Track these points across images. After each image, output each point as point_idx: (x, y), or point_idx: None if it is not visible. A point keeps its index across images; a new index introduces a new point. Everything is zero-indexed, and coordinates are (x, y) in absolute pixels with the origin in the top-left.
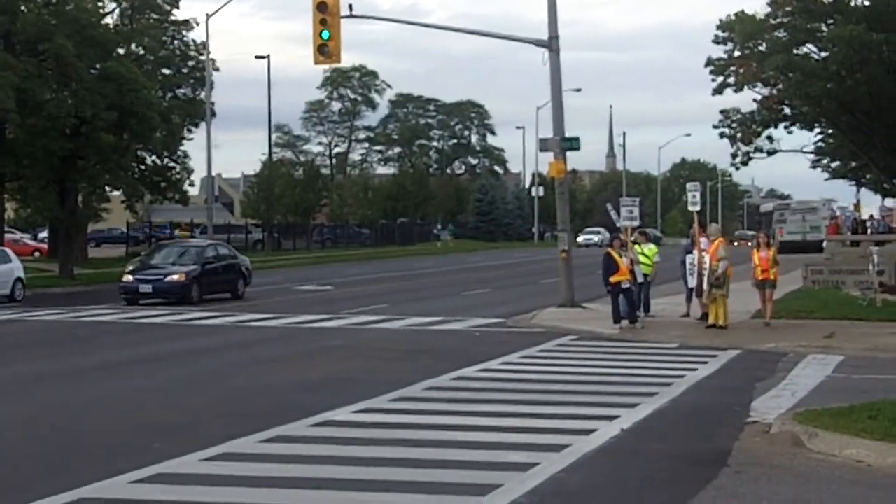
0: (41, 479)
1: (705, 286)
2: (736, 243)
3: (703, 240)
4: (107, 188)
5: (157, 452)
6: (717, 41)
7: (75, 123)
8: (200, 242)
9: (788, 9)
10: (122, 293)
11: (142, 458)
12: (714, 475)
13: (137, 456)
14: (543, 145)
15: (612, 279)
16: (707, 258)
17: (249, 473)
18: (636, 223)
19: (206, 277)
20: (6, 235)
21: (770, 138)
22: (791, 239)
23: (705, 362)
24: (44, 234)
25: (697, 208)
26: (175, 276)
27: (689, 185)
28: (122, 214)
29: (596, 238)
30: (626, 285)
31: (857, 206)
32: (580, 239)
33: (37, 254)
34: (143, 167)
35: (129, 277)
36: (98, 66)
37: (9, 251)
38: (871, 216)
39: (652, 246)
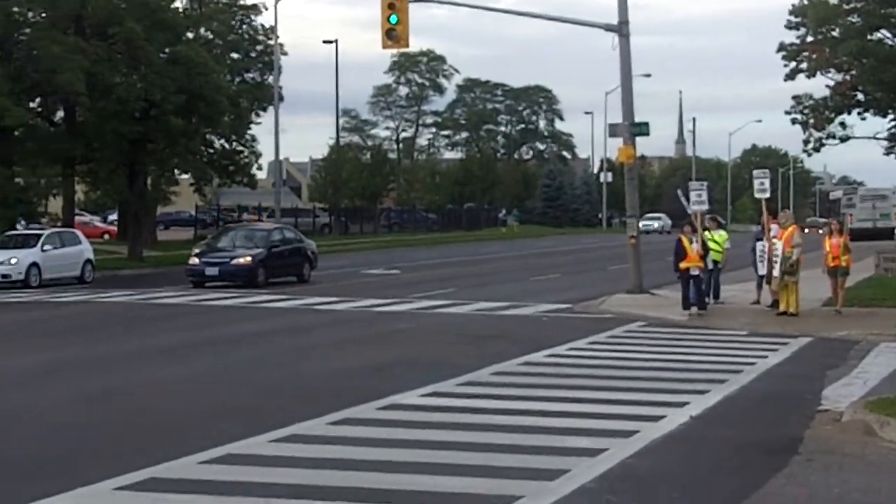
0: (111, 458)
1: (776, 273)
2: (807, 230)
3: (773, 226)
4: (175, 171)
5: (226, 433)
6: (789, 26)
7: (144, 107)
8: (267, 226)
9: None
10: (189, 276)
11: (210, 438)
12: (784, 463)
13: (206, 436)
14: (612, 131)
15: (682, 265)
16: (779, 245)
17: (318, 455)
18: (705, 207)
19: (272, 261)
20: (76, 218)
21: (843, 125)
22: (861, 226)
23: (776, 350)
24: (113, 217)
25: (766, 195)
26: (241, 260)
27: (755, 172)
28: (191, 198)
29: (655, 224)
30: (695, 272)
31: None
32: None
33: (106, 236)
34: (211, 151)
35: (196, 260)
36: (167, 49)
37: (79, 233)
38: None
39: (722, 232)
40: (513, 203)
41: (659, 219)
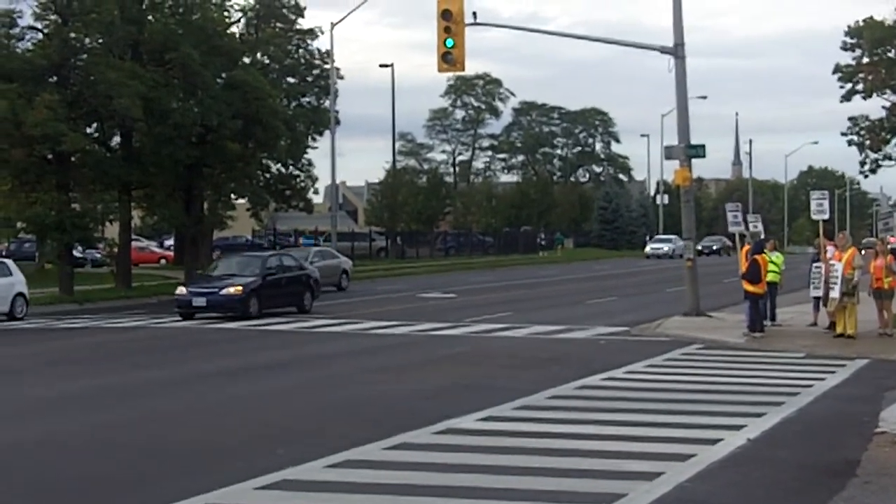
0: (165, 483)
1: (834, 294)
2: (864, 252)
3: (829, 248)
4: (232, 196)
5: (282, 458)
6: (845, 48)
7: (201, 132)
8: (263, 253)
9: None
10: (176, 307)
11: (266, 463)
12: (842, 486)
13: (262, 461)
14: (668, 153)
15: (750, 289)
16: (837, 267)
17: (374, 481)
18: (741, 229)
19: (267, 290)
20: (133, 243)
21: None
22: None
23: (833, 372)
24: (170, 242)
25: (825, 216)
26: (231, 289)
27: (813, 193)
28: (248, 222)
29: (665, 247)
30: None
31: None
32: (647, 249)
33: (163, 261)
34: (267, 175)
35: (183, 290)
36: (224, 75)
37: (9, 263)
38: None
39: (779, 254)
40: (569, 226)
41: (669, 241)
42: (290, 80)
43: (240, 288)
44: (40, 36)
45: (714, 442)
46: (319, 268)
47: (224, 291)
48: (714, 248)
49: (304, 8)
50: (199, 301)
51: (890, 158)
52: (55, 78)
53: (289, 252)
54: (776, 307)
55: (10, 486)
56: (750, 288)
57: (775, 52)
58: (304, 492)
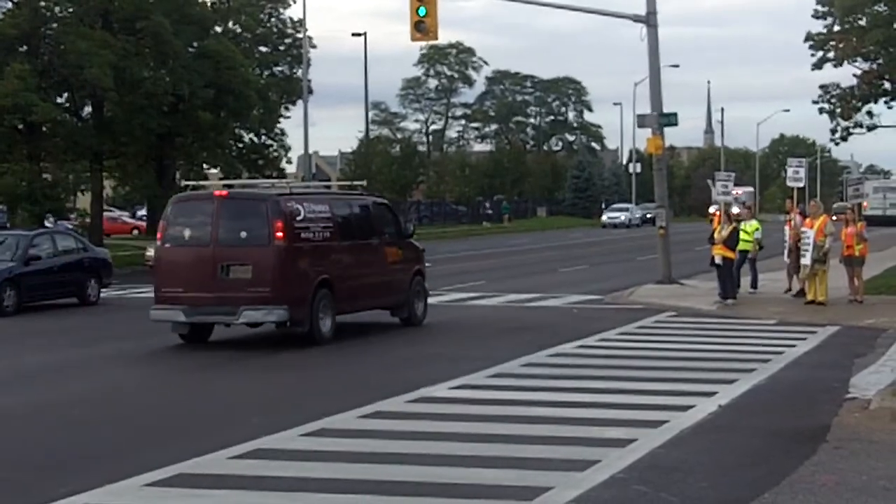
0: (139, 453)
1: (807, 261)
2: (835, 217)
3: (797, 216)
4: (204, 166)
5: (256, 427)
6: (816, 15)
7: (173, 101)
8: (27, 232)
9: None
10: None
11: (240, 433)
12: (813, 451)
13: (236, 431)
14: (641, 121)
15: (726, 255)
16: (810, 234)
17: (348, 449)
18: (730, 198)
19: (31, 279)
20: (104, 213)
21: (870, 113)
22: (873, 214)
23: (804, 338)
24: (142, 212)
25: (801, 184)
26: None
27: (790, 161)
28: None
29: (622, 216)
30: (718, 260)
31: None
32: (604, 218)
33: (135, 231)
34: (240, 145)
35: None
36: (195, 44)
37: None
38: None
39: (754, 222)
40: (542, 195)
41: (626, 210)
42: (263, 49)
43: None
44: (10, 5)
45: (686, 409)
46: None
47: None
48: (621, 218)
49: None
50: None
51: (860, 126)
52: (25, 47)
53: (69, 230)
54: (758, 274)
55: None
56: (726, 254)
57: (747, 20)
58: (279, 460)
